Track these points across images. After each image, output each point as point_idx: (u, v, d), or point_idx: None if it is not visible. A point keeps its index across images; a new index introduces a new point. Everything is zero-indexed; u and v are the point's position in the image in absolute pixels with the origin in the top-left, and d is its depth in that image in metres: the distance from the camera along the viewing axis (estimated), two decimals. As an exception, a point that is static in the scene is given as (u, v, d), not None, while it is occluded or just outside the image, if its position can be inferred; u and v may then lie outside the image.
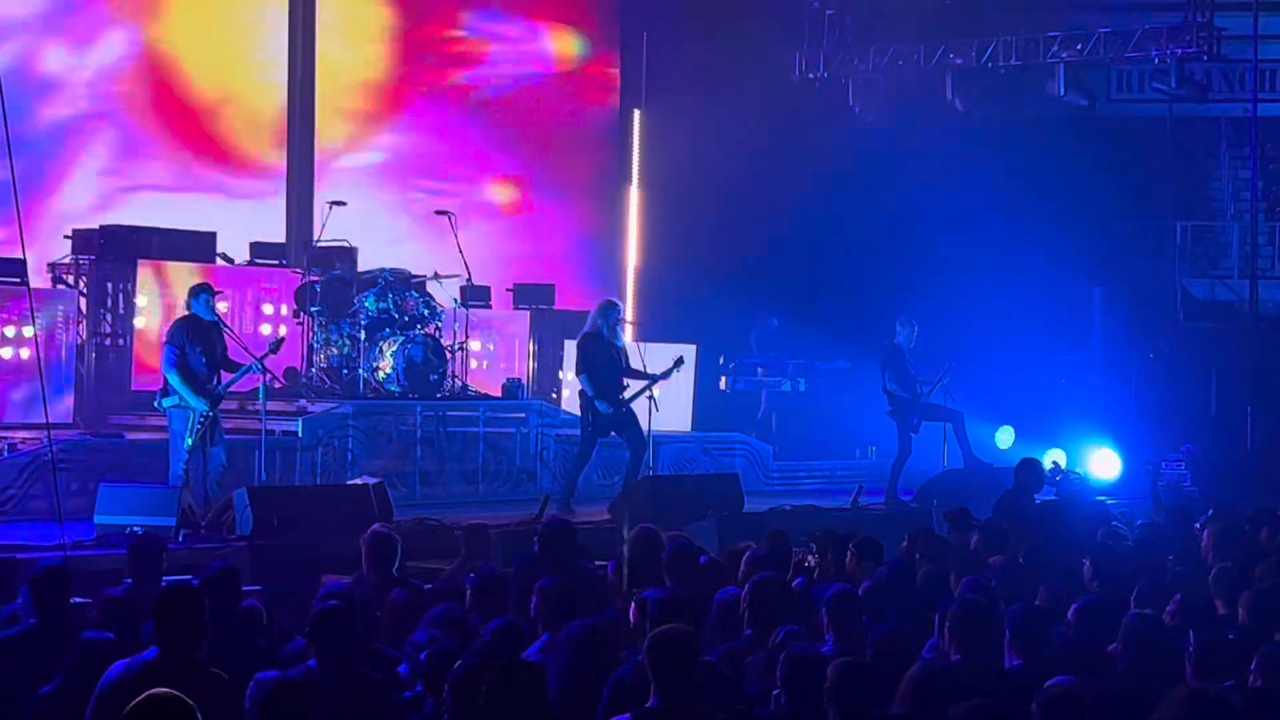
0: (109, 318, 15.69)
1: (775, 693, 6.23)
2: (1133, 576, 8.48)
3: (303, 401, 14.77)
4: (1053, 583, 8.43)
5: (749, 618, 7.39)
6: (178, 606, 6.39)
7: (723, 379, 19.78)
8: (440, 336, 15.69)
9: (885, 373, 15.83)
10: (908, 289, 19.72)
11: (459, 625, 7.27)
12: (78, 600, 8.23)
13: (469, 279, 16.44)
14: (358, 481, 13.15)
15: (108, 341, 15.66)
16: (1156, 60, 19.62)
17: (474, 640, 6.91)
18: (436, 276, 16.06)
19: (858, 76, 20.50)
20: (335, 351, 15.53)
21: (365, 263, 16.26)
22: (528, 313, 18.55)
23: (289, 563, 10.77)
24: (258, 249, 16.96)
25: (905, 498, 15.52)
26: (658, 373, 14.48)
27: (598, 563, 9.14)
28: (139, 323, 15.67)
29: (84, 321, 15.43)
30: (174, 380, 12.12)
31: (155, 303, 15.78)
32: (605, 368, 14.18)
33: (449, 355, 15.65)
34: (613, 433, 14.35)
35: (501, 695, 5.67)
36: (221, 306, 12.99)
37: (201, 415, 12.07)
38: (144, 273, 15.71)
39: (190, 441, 12.05)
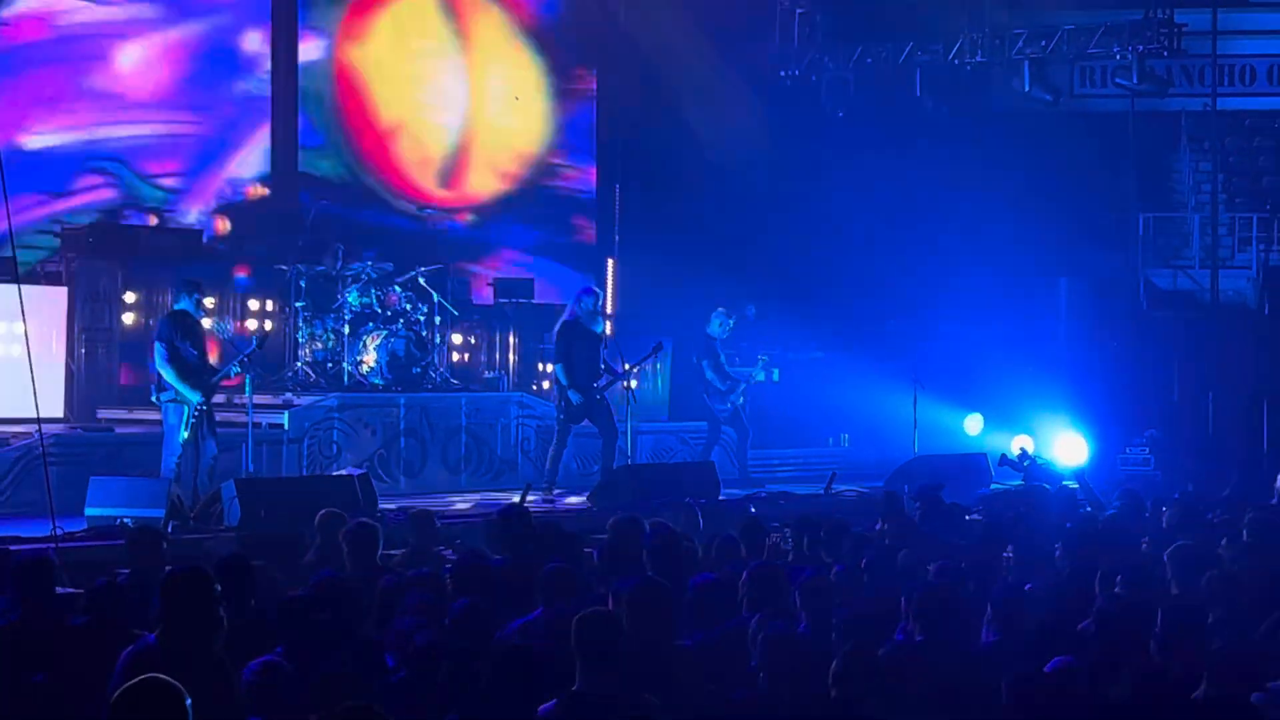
0: (98, 313, 15.85)
1: (761, 675, 6.35)
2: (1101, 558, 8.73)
3: (289, 395, 14.98)
4: (1024, 564, 8.68)
5: (748, 603, 7.42)
6: (185, 591, 6.16)
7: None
8: (423, 330, 15.98)
9: (704, 361, 16.42)
10: (878, 279, 20.07)
11: (440, 611, 7.26)
12: (67, 591, 8.40)
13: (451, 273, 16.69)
14: (343, 472, 13.39)
15: (97, 336, 15.84)
16: (1119, 56, 19.88)
17: (457, 625, 6.93)
18: (419, 271, 16.31)
19: (828, 73, 20.79)
20: (320, 345, 15.73)
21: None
22: (509, 306, 18.82)
23: (275, 552, 10.93)
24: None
25: (876, 483, 15.83)
26: (633, 364, 14.88)
27: (587, 549, 9.23)
28: (127, 319, 15.90)
29: (74, 317, 15.60)
30: (169, 375, 12.30)
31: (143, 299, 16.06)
32: (582, 355, 14.51)
33: (431, 348, 15.93)
34: (586, 420, 14.70)
35: (496, 677, 5.85)
36: (208, 302, 13.21)
37: (196, 408, 12.30)
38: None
39: (185, 435, 12.25)
